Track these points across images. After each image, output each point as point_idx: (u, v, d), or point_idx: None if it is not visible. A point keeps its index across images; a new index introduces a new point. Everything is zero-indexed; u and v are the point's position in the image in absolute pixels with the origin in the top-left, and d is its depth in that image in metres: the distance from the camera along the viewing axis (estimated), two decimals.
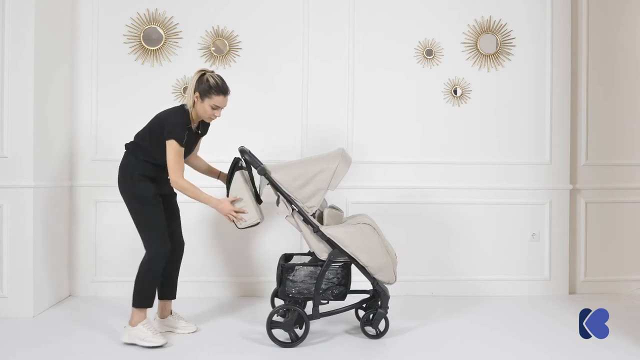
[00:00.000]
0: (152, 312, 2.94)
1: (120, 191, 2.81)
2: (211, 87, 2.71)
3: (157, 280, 2.78)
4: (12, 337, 2.85)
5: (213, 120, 2.86)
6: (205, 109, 2.74)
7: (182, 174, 2.69)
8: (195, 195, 2.70)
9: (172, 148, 2.66)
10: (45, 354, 2.62)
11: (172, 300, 2.99)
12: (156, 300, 2.90)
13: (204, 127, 2.91)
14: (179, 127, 2.68)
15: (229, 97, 2.80)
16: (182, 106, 2.77)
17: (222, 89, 2.74)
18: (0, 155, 3.22)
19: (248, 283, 3.76)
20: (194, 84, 2.73)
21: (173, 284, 2.97)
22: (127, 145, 2.84)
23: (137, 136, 2.84)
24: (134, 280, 2.76)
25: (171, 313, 2.96)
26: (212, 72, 2.76)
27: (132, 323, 2.73)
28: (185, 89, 3.76)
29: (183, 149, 2.70)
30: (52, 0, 3.46)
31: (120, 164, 2.83)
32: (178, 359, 2.59)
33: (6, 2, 3.20)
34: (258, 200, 2.90)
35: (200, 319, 3.19)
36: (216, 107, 2.75)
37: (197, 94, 2.72)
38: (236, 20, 3.82)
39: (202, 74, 2.74)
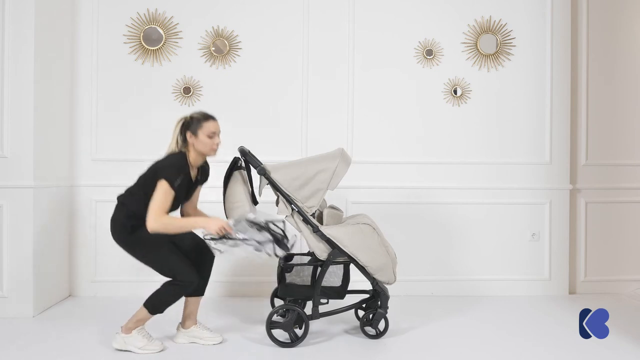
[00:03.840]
0: (175, 322, 2.89)
1: (119, 244, 2.67)
2: (199, 119, 2.64)
3: (179, 298, 2.64)
4: (12, 337, 2.85)
5: (216, 153, 2.71)
6: (204, 142, 2.62)
7: (162, 218, 2.48)
8: (181, 226, 2.54)
9: (162, 188, 2.47)
10: (45, 354, 2.62)
11: (197, 311, 2.83)
12: (179, 312, 2.84)
13: (203, 174, 2.82)
14: (174, 167, 2.55)
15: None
16: (180, 151, 2.64)
17: (208, 115, 2.70)
18: (0, 155, 3.22)
19: (248, 283, 3.76)
20: (180, 130, 2.64)
21: (205, 278, 2.79)
22: (118, 198, 2.68)
23: (131, 187, 2.66)
24: (161, 286, 2.60)
25: (196, 323, 2.81)
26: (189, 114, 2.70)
27: (127, 329, 2.62)
28: (185, 89, 3.77)
29: (173, 193, 2.50)
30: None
31: (112, 218, 2.68)
32: (177, 358, 2.59)
33: (6, 2, 3.20)
34: (254, 201, 2.90)
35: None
36: (213, 135, 2.65)
37: (189, 133, 2.62)
38: (236, 20, 3.82)
39: (183, 119, 2.68)
